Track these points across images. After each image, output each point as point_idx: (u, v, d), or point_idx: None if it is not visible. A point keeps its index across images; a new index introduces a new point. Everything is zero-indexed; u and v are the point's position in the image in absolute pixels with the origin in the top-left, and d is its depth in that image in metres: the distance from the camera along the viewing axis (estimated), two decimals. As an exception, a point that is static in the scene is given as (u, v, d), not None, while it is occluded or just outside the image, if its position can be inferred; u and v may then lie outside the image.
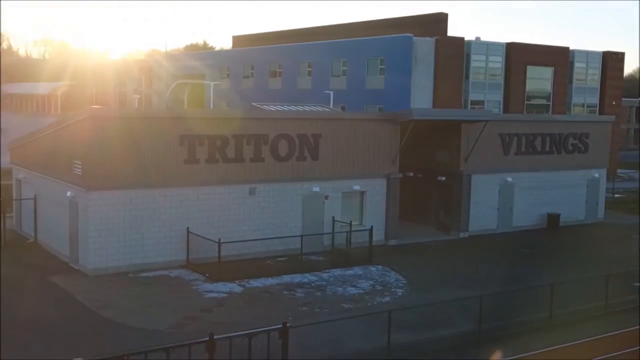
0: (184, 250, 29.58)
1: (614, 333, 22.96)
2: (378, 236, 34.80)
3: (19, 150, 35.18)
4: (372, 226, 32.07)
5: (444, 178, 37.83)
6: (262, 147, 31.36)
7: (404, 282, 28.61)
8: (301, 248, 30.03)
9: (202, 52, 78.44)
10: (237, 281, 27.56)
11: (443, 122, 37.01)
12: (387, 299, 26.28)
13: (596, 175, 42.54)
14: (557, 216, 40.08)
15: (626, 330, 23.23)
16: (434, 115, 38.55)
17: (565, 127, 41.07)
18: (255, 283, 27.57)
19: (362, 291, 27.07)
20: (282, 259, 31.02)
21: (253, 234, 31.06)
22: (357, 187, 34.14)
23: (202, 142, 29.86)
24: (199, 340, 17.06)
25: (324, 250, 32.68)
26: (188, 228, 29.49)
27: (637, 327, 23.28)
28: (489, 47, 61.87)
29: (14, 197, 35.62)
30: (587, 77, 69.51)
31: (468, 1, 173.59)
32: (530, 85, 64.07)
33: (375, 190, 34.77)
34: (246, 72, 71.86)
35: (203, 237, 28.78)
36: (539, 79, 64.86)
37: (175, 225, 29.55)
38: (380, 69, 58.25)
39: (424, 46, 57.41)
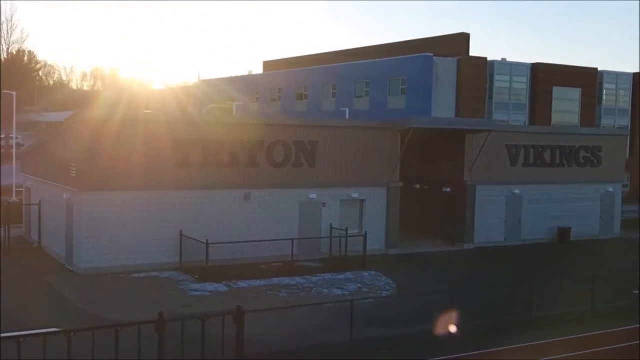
0: (177, 252, 29.90)
1: (590, 334, 22.42)
2: (378, 245, 34.77)
3: (27, 159, 36.18)
4: (365, 232, 32.02)
5: (448, 189, 37.57)
6: (258, 152, 31.67)
7: (392, 285, 28.44)
8: (292, 250, 30.19)
9: (234, 77, 79.60)
10: (224, 282, 27.72)
11: (447, 132, 36.89)
12: (370, 300, 26.08)
13: (610, 189, 41.72)
14: (568, 230, 39.37)
15: (602, 332, 22.70)
16: (432, 123, 38.44)
17: (576, 139, 40.49)
18: (242, 284, 27.70)
19: (346, 292, 26.94)
20: (277, 264, 31.10)
21: (248, 239, 31.20)
22: (355, 195, 34.14)
23: (196, 147, 30.30)
24: (149, 320, 17.23)
25: (322, 257, 32.63)
26: (181, 231, 29.83)
27: (617, 329, 22.74)
28: (512, 67, 61.64)
29: (23, 204, 36.55)
30: (617, 99, 68.51)
31: (496, 23, 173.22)
32: (557, 106, 63.47)
33: (375, 199, 34.72)
34: (274, 95, 72.77)
35: (192, 239, 29.06)
36: (566, 99, 64.22)
37: (169, 228, 29.92)
38: (401, 88, 58.45)
39: (446, 66, 57.48)
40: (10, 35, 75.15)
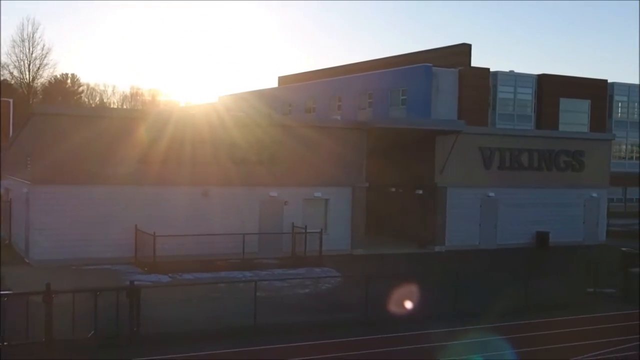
0: (133, 247, 30.32)
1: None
2: (344, 245, 34.76)
3: (6, 159, 37.22)
4: (321, 229, 32.03)
5: (421, 191, 37.38)
6: (218, 150, 32.03)
7: (339, 280, 28.38)
8: (243, 247, 30.35)
9: (246, 93, 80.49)
10: (170, 274, 28.04)
11: (418, 134, 36.77)
12: (307, 290, 26.21)
13: (594, 195, 40.96)
14: (547, 235, 38.74)
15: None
16: (394, 123, 38.25)
17: (555, 143, 39.93)
18: (187, 276, 27.95)
19: (286, 285, 27.01)
20: (236, 260, 31.26)
21: (207, 236, 31.44)
22: (318, 195, 34.23)
23: (156, 143, 30.80)
24: (36, 291, 17.63)
25: (283, 256, 32.72)
26: (136, 225, 30.27)
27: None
28: (517, 78, 61.22)
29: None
30: (630, 111, 67.33)
31: (503, 35, 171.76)
32: (565, 118, 62.65)
33: (340, 199, 34.75)
34: (285, 109, 73.35)
35: (145, 233, 29.45)
36: (574, 111, 63.43)
37: (125, 223, 30.34)
38: (402, 99, 58.45)
39: (447, 77, 57.45)
40: (32, 52, 77.15)
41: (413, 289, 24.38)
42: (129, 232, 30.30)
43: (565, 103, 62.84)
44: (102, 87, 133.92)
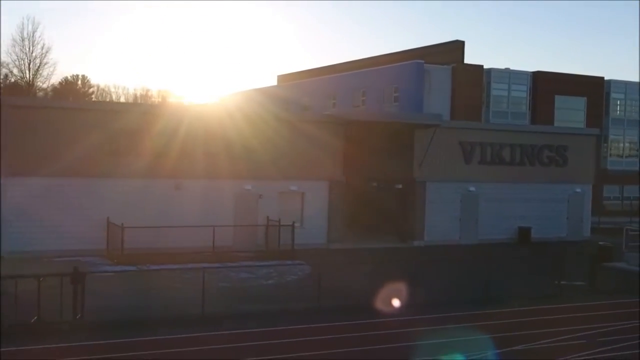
0: (105, 239, 30.39)
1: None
2: (320, 239, 34.74)
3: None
4: (293, 222, 31.97)
5: (400, 186, 37.28)
6: (192, 143, 32.06)
7: (307, 273, 28.30)
8: (213, 239, 30.36)
9: (250, 90, 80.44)
10: (137, 265, 28.08)
11: (397, 129, 36.67)
12: (270, 281, 26.21)
13: (578, 190, 40.67)
14: (529, 230, 38.49)
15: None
16: (367, 117, 38.08)
17: (538, 138, 39.69)
18: (154, 267, 27.90)
19: (253, 276, 27.04)
20: (209, 253, 31.26)
21: (181, 229, 31.45)
22: (294, 188, 34.21)
23: (128, 136, 30.89)
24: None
25: (258, 249, 32.67)
26: (108, 218, 30.35)
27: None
28: (511, 75, 60.85)
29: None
30: (627, 109, 66.79)
31: (497, 32, 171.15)
32: (560, 116, 62.18)
33: (316, 193, 34.72)
34: (283, 107, 73.15)
35: (115, 225, 29.52)
36: (569, 109, 62.96)
37: (97, 215, 30.46)
38: (394, 96, 58.26)
39: (439, 74, 57.18)
40: (32, 51, 77.59)
41: (375, 280, 24.39)
42: (101, 224, 30.39)
43: (560, 100, 62.37)
44: (112, 89, 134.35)
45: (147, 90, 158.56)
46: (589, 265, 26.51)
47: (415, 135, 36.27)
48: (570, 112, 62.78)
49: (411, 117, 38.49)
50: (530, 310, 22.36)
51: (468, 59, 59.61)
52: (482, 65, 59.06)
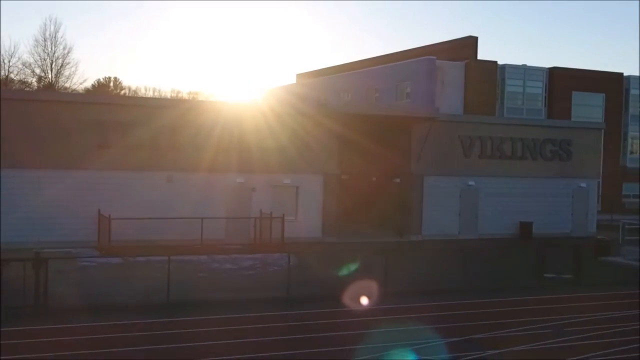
0: (96, 231, 30.66)
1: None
2: (315, 233, 34.65)
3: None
4: (283, 214, 31.90)
5: (398, 180, 37.03)
6: (182, 135, 32.20)
7: (292, 264, 28.11)
8: (201, 232, 30.41)
9: (271, 89, 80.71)
10: (124, 256, 28.24)
11: (395, 122, 36.43)
12: (251, 272, 26.21)
13: (583, 185, 39.96)
14: (530, 225, 37.93)
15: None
16: (361, 110, 37.67)
17: (540, 132, 39.11)
18: (140, 259, 27.97)
19: (235, 267, 27.06)
20: (199, 246, 31.33)
21: (172, 222, 31.60)
22: (287, 182, 34.14)
23: (117, 128, 31.13)
24: None
25: (250, 242, 32.67)
26: (99, 210, 30.61)
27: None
28: (526, 72, 60.12)
29: None
30: (646, 105, 65.47)
31: (512, 28, 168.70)
32: (577, 112, 61.21)
33: (310, 186, 34.62)
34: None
35: (106, 217, 29.73)
36: (587, 105, 61.98)
37: (88, 208, 30.73)
38: (407, 93, 57.94)
39: (452, 70, 56.74)
40: (54, 51, 78.66)
41: (354, 272, 24.36)
42: (92, 217, 30.66)
43: (578, 97, 61.42)
44: (143, 90, 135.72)
45: (178, 92, 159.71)
46: (574, 259, 26.01)
47: (413, 129, 36.01)
48: (588, 109, 61.82)
49: (406, 110, 38.16)
50: (502, 302, 22.03)
51: (484, 56, 59.22)
52: (496, 62, 58.48)
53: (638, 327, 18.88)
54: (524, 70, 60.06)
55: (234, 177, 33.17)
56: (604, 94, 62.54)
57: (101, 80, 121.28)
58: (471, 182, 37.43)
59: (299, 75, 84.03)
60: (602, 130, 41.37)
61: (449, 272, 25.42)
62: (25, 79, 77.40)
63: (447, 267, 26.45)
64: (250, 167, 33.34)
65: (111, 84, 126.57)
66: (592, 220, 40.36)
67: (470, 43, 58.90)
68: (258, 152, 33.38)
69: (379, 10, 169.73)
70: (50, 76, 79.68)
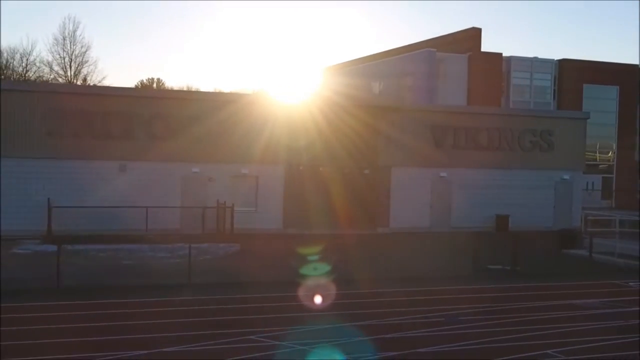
0: (45, 221, 30.49)
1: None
2: (275, 224, 33.98)
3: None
4: (233, 204, 31.31)
5: (367, 171, 36.08)
6: (136, 125, 31.87)
7: (232, 252, 27.76)
8: (146, 221, 30.04)
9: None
10: (63, 245, 27.98)
11: (363, 112, 35.45)
12: (177, 260, 25.75)
13: (566, 177, 38.34)
14: (506, 218, 36.53)
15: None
16: (326, 100, 36.66)
17: (519, 122, 37.67)
18: (79, 247, 27.80)
19: (169, 255, 26.73)
20: (151, 235, 30.93)
21: (125, 210, 31.28)
22: (245, 172, 33.50)
23: (67, 117, 30.95)
24: None
25: (206, 233, 32.12)
26: (49, 199, 30.45)
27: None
28: (533, 64, 58.36)
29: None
30: (662, 98, 62.88)
31: (520, 20, 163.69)
32: (589, 105, 59.07)
33: (271, 177, 33.92)
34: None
35: (57, 206, 29.54)
36: (600, 98, 59.84)
37: (37, 197, 30.60)
38: (408, 86, 56.83)
39: (454, 63, 55.47)
40: (73, 50, 79.70)
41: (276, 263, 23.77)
42: (42, 206, 30.47)
43: (589, 90, 59.32)
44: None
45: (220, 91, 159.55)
46: (512, 250, 24.85)
47: (382, 120, 34.99)
48: (600, 102, 59.68)
49: (372, 100, 37.21)
50: (411, 291, 21.11)
51: (492, 48, 57.69)
52: (500, 53, 56.82)
53: (519, 319, 17.78)
54: (531, 62, 58.30)
55: (189, 167, 32.69)
56: (617, 87, 60.29)
57: (144, 81, 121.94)
58: (443, 174, 36.22)
59: (326, 69, 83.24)
60: (586, 120, 39.54)
61: (375, 261, 24.54)
62: (42, 77, 78.36)
63: (376, 256, 25.61)
64: (206, 157, 32.77)
65: (154, 84, 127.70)
66: (575, 214, 38.62)
67: (474, 35, 57.41)
68: (214, 142, 32.77)
69: (379, 10, 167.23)
70: (69, 74, 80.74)
